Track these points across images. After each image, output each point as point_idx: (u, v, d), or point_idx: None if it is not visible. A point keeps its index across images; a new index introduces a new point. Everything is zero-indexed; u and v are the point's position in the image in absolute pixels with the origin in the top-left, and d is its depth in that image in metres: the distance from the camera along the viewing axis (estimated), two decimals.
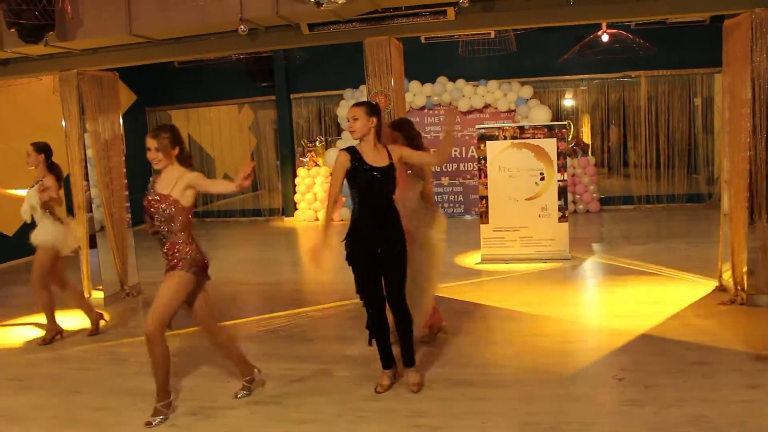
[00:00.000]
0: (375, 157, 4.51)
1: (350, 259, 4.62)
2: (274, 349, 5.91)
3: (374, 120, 4.55)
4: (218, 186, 4.68)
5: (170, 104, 15.15)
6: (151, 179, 4.51)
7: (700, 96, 13.45)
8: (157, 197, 4.31)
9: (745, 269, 6.41)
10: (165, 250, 4.37)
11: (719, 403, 4.23)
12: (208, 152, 15.76)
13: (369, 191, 4.51)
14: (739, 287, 6.47)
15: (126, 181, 8.16)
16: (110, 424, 4.49)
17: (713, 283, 6.97)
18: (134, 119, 14.34)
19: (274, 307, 7.40)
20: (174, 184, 4.32)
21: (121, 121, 8.16)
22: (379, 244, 4.55)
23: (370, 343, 4.78)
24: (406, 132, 5.26)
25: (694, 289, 7.08)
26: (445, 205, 13.03)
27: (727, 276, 6.77)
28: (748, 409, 4.15)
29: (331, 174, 4.35)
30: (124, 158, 8.15)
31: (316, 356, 5.62)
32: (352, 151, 4.53)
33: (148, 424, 4.34)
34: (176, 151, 4.42)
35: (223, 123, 15.90)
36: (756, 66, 6.10)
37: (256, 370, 4.81)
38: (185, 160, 4.49)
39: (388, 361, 4.74)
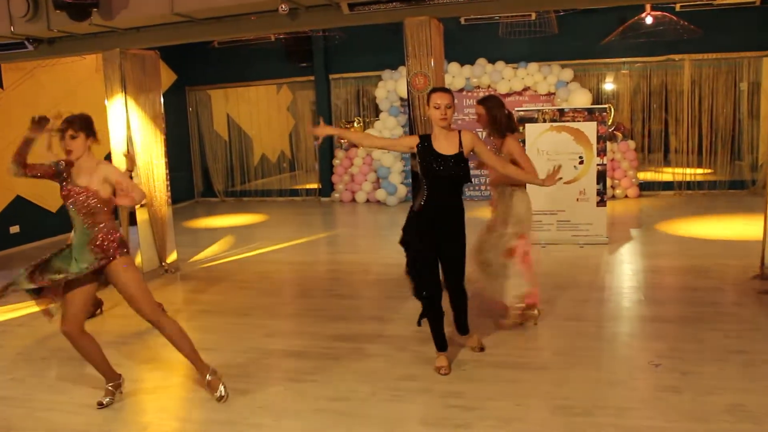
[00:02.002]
0: (445, 145, 4.55)
1: (409, 242, 4.84)
2: (310, 326, 5.98)
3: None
4: (135, 190, 4.34)
5: (209, 84, 15.28)
6: (60, 163, 4.24)
7: (747, 80, 13.12)
8: (78, 189, 4.15)
9: None
10: (100, 242, 4.16)
11: (758, 393, 4.17)
12: (246, 132, 15.89)
13: (434, 177, 4.54)
14: None
15: (166, 159, 8.27)
16: (144, 395, 4.61)
17: (754, 271, 6.85)
18: (175, 98, 14.53)
19: (310, 286, 7.50)
20: (90, 175, 4.17)
21: (162, 100, 8.26)
22: (441, 233, 4.63)
23: (419, 323, 5.14)
24: (489, 107, 5.33)
25: (733, 276, 6.97)
26: (482, 188, 12.96)
27: None
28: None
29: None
30: (164, 137, 8.25)
31: (352, 335, 5.67)
32: (423, 136, 4.64)
33: (100, 404, 4.38)
34: (90, 140, 4.25)
35: (262, 103, 16.01)
36: None
37: (121, 376, 4.58)
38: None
39: (443, 344, 4.84)
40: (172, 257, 8.34)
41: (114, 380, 4.51)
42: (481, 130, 5.65)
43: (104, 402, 4.42)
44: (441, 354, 4.81)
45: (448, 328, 4.95)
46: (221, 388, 4.39)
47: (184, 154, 15.22)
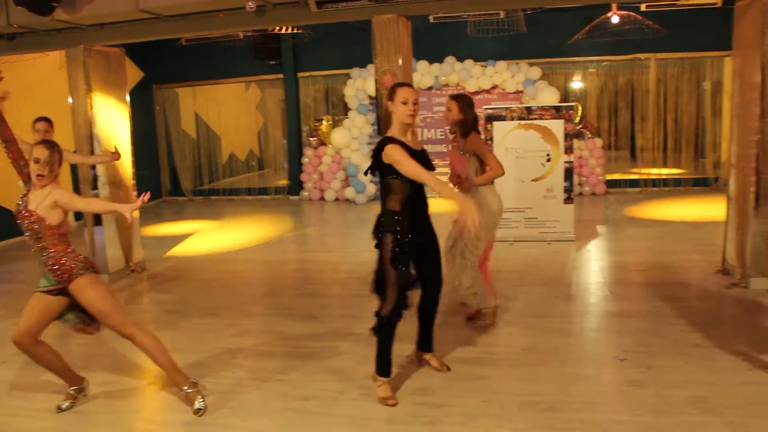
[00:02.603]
0: (413, 142, 4.37)
1: (400, 256, 4.15)
2: (279, 325, 5.95)
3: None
4: (93, 206, 4.45)
5: (177, 82, 15.14)
6: (25, 189, 4.26)
7: (709, 80, 13.37)
8: (25, 212, 4.09)
9: (748, 253, 6.42)
10: (51, 266, 4.09)
11: (720, 386, 4.25)
12: (214, 130, 15.76)
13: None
14: (742, 271, 6.48)
15: (132, 158, 8.17)
16: (120, 397, 4.55)
17: (716, 266, 6.97)
18: (141, 97, 14.36)
19: (278, 285, 7.47)
20: (42, 200, 4.08)
21: (128, 98, 8.15)
22: (423, 235, 4.38)
23: (380, 342, 4.36)
24: (461, 105, 5.34)
25: (697, 272, 7.10)
26: (450, 185, 13.00)
27: (730, 259, 6.77)
28: (748, 391, 4.17)
29: (400, 161, 4.13)
30: (130, 136, 8.14)
31: (321, 334, 5.65)
32: (394, 139, 4.18)
33: (59, 408, 4.30)
34: (57, 171, 4.16)
35: (230, 101, 15.91)
36: (766, 50, 6.05)
37: (85, 380, 4.51)
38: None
39: (390, 368, 4.38)
40: (138, 257, 8.24)
41: (77, 384, 4.43)
42: (448, 126, 5.64)
43: (63, 406, 4.34)
44: (387, 382, 4.35)
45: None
46: (199, 400, 4.26)
47: (152, 152, 15.05)
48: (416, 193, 4.22)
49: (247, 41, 13.20)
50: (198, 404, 4.24)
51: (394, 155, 4.05)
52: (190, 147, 15.57)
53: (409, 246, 4.17)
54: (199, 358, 5.17)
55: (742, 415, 3.87)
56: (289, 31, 11.72)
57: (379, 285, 4.22)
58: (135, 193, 8.18)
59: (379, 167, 4.19)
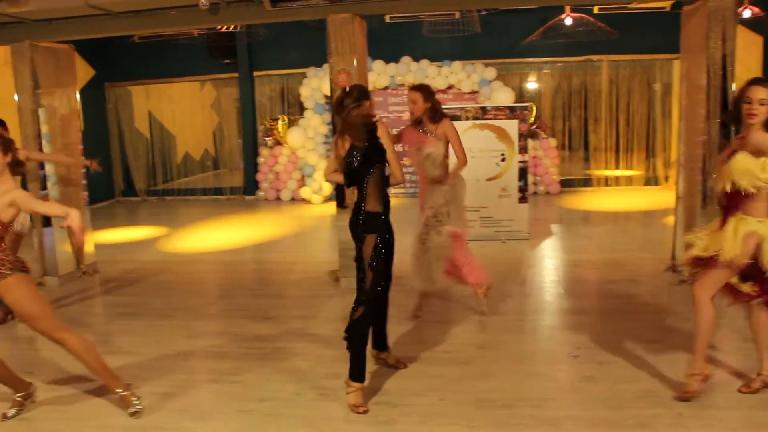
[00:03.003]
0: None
1: (379, 258, 4.23)
2: (234, 327, 5.89)
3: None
4: (52, 209, 4.25)
5: (130, 80, 14.85)
6: None
7: (660, 81, 13.67)
8: None
9: None
10: None
11: (669, 380, 4.34)
12: (169, 129, 15.52)
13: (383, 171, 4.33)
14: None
15: (83, 158, 7.99)
16: (67, 403, 4.44)
17: (666, 264, 7.12)
18: (93, 95, 14.06)
19: (233, 286, 7.39)
20: None
21: (78, 96, 7.98)
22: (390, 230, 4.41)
23: (355, 347, 4.23)
24: (427, 93, 5.48)
25: (648, 269, 7.25)
26: (407, 185, 13.05)
27: (679, 257, 6.92)
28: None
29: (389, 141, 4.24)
30: (81, 135, 7.97)
31: (276, 335, 5.61)
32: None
33: (4, 416, 4.17)
34: (8, 157, 4.02)
35: (185, 100, 15.67)
36: (711, 53, 6.21)
37: (32, 386, 4.39)
38: (16, 167, 4.17)
39: (365, 372, 4.27)
40: (90, 259, 8.07)
41: (23, 391, 4.30)
42: (412, 118, 5.63)
43: (9, 414, 4.21)
44: (360, 388, 4.22)
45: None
46: (134, 402, 4.18)
47: (104, 152, 14.71)
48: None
49: (202, 39, 13.04)
50: (134, 407, 4.17)
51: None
52: (143, 146, 15.31)
53: (386, 247, 4.28)
54: (151, 360, 5.09)
55: (690, 408, 3.97)
56: (243, 29, 11.63)
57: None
58: (86, 194, 8.01)
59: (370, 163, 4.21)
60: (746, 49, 11.76)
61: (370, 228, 4.21)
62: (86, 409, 4.36)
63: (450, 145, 5.47)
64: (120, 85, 14.91)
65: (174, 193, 15.26)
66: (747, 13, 10.27)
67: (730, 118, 4.01)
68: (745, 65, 11.62)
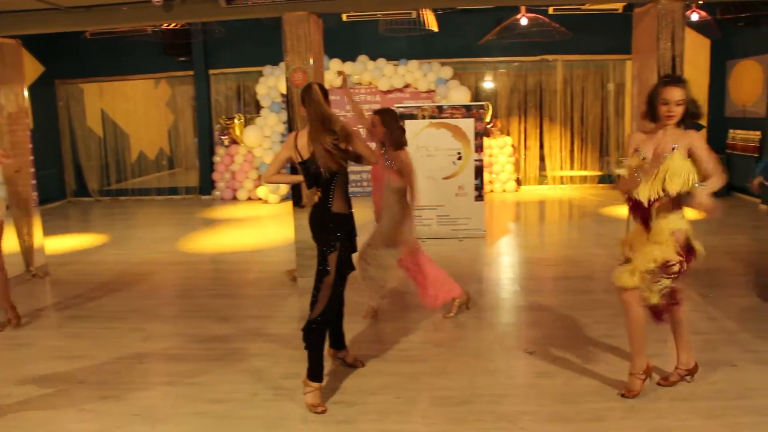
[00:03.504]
0: None
1: (347, 261, 4.30)
2: (190, 328, 5.81)
3: None
4: None
5: (82, 77, 14.52)
6: None
7: (613, 81, 13.92)
8: None
9: None
10: None
11: (623, 374, 4.41)
12: (122, 128, 15.23)
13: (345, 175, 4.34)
14: None
15: (32, 157, 7.79)
16: (21, 409, 4.33)
17: (620, 260, 7.23)
18: (42, 92, 13.72)
19: (189, 287, 7.29)
20: None
21: (26, 93, 7.78)
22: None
23: (313, 347, 4.23)
24: (386, 120, 5.46)
25: (602, 265, 7.37)
26: (364, 184, 13.05)
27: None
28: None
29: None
30: (30, 133, 7.77)
31: (233, 335, 5.56)
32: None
33: None
34: None
35: (139, 98, 15.39)
36: (661, 54, 6.35)
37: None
38: None
39: (322, 372, 4.26)
40: (39, 261, 7.87)
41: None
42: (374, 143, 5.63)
43: None
44: (318, 388, 4.21)
45: None
46: None
47: (54, 151, 14.40)
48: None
49: (156, 36, 12.84)
50: None
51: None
52: (96, 145, 14.99)
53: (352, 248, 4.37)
54: (105, 364, 4.99)
55: (642, 401, 4.06)
56: (198, 26, 11.49)
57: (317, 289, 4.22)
58: (36, 194, 7.82)
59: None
60: (694, 50, 12.07)
61: (340, 232, 4.21)
62: (41, 415, 4.26)
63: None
64: (71, 82, 14.58)
65: (128, 193, 15.00)
66: (695, 17, 10.52)
67: (646, 117, 4.01)
68: (694, 66, 11.93)
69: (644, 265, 4.00)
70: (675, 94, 3.77)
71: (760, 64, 11.37)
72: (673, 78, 3.90)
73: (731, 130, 12.33)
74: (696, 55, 12.25)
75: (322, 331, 4.25)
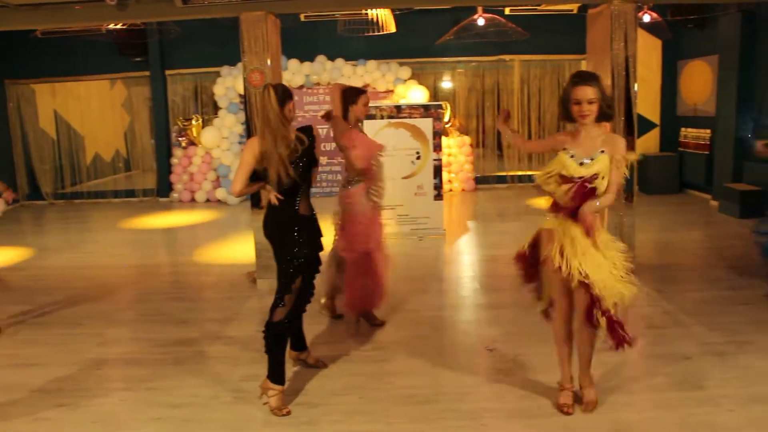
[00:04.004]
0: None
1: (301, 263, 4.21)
2: (148, 332, 5.73)
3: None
4: None
5: (33, 77, 14.16)
6: None
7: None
8: None
9: None
10: None
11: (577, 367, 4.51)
12: (77, 130, 14.94)
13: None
14: None
15: None
16: None
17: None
18: None
19: (147, 290, 7.18)
20: None
21: None
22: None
23: (275, 349, 4.21)
24: (346, 95, 5.38)
25: None
26: (323, 183, 13.02)
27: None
28: (600, 371, 4.43)
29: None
30: None
31: (192, 338, 5.49)
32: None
33: None
34: None
35: (94, 99, 15.13)
36: (615, 54, 6.49)
37: None
38: None
39: (284, 375, 4.25)
40: None
41: None
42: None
43: None
44: (281, 391, 4.19)
45: None
46: None
47: (5, 154, 14.03)
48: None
49: (111, 36, 12.62)
50: None
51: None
52: (49, 147, 14.65)
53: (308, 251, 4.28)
54: (60, 371, 4.88)
55: (602, 395, 4.13)
56: (154, 26, 11.33)
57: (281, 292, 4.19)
58: None
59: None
60: (647, 51, 12.34)
61: (303, 236, 4.19)
62: None
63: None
64: (22, 82, 14.22)
65: (83, 196, 14.69)
66: (647, 18, 10.74)
67: (563, 118, 3.94)
68: (646, 66, 12.19)
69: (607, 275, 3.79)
70: (587, 92, 3.70)
71: (709, 65, 11.65)
72: (583, 76, 3.79)
73: (683, 129, 12.61)
74: (648, 56, 12.52)
75: (286, 333, 4.24)
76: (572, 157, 3.81)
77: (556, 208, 3.94)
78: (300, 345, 4.76)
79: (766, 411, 3.94)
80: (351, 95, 5.36)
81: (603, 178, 3.73)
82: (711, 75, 11.58)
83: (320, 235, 4.39)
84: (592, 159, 3.76)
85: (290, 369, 4.64)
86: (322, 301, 5.78)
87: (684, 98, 12.67)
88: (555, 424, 3.85)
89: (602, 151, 3.75)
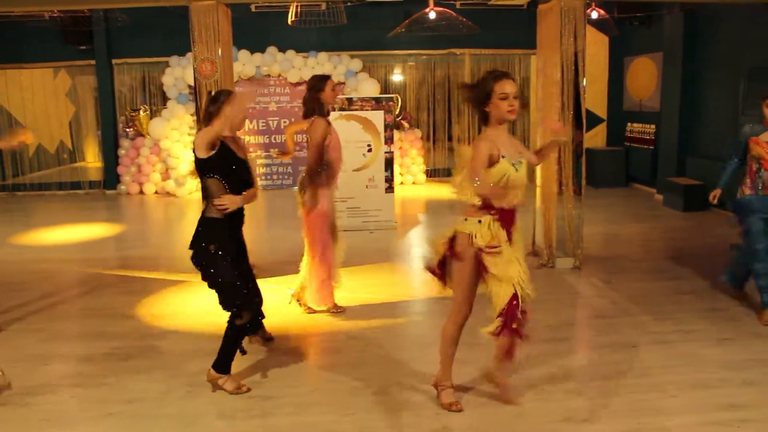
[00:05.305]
0: (239, 149, 4.26)
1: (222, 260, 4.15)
2: (97, 327, 5.61)
3: None
4: None
5: None
6: None
7: (519, 75, 14.31)
8: None
9: (554, 236, 7.00)
10: None
11: (532, 359, 4.60)
12: (18, 120, 14.49)
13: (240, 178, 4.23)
14: (549, 252, 7.04)
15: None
16: None
17: (527, 249, 7.49)
18: None
19: (95, 284, 7.04)
20: None
21: None
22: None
23: (244, 352, 4.41)
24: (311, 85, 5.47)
25: None
26: (274, 177, 12.95)
27: (539, 241, 7.32)
28: (550, 359, 4.54)
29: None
30: None
31: (143, 333, 5.41)
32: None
33: None
34: None
35: (37, 88, 14.65)
36: (564, 50, 6.61)
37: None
38: None
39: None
40: None
41: None
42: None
43: None
44: (231, 375, 4.29)
45: None
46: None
47: None
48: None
49: (55, 23, 12.26)
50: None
51: None
52: None
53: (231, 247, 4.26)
54: (6, 368, 4.74)
55: (551, 382, 4.27)
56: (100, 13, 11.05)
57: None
58: None
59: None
60: (595, 46, 12.58)
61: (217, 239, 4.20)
62: None
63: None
64: None
65: (26, 188, 14.28)
66: (594, 15, 10.95)
67: (480, 116, 3.79)
68: (594, 62, 12.42)
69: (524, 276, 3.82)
70: (512, 87, 3.60)
71: (653, 61, 11.95)
72: (503, 71, 3.69)
73: (629, 123, 12.93)
74: (596, 52, 12.77)
75: (242, 332, 4.28)
76: (513, 164, 3.68)
77: (483, 211, 3.73)
78: (258, 326, 4.75)
79: (708, 395, 4.10)
80: (317, 83, 5.39)
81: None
82: (656, 71, 11.89)
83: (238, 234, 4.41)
84: (521, 161, 3.72)
85: (243, 362, 4.63)
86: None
87: (630, 94, 12.97)
88: (509, 413, 3.93)
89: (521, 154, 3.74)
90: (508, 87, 3.59)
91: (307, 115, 5.40)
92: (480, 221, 3.71)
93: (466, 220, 3.78)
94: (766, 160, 5.01)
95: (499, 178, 3.63)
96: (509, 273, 3.72)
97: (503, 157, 3.65)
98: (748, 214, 5.20)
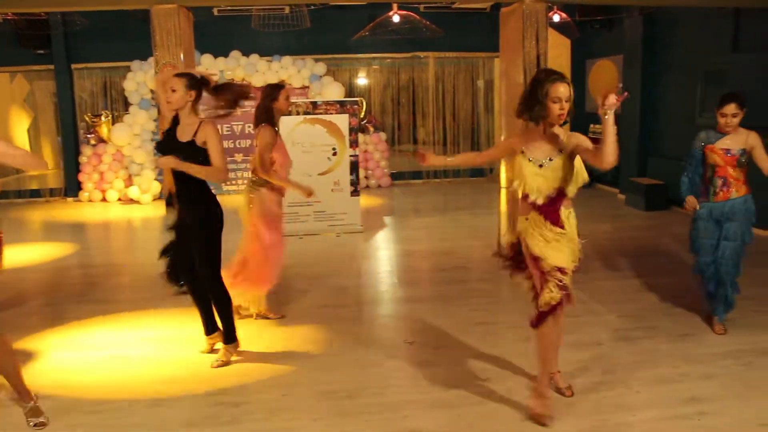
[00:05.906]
0: (182, 131, 4.45)
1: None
2: (63, 336, 5.51)
3: (193, 93, 4.42)
4: None
5: None
6: None
7: (483, 78, 14.45)
8: None
9: None
10: None
11: (499, 357, 4.64)
12: None
13: None
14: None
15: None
16: None
17: (493, 250, 7.55)
18: None
19: (58, 294, 6.91)
20: None
21: None
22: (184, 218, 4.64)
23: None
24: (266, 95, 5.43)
25: (477, 256, 7.66)
26: (239, 181, 12.85)
27: (504, 242, 7.36)
28: (524, 360, 4.57)
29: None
30: None
31: (109, 342, 5.32)
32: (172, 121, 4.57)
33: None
34: None
35: None
36: (527, 52, 6.69)
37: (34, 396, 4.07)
38: None
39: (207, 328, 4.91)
40: None
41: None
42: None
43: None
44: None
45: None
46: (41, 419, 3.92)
47: None
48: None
49: (10, 26, 11.99)
50: (41, 417, 3.93)
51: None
52: None
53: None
54: None
55: (517, 381, 4.29)
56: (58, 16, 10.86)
57: None
58: None
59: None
60: (557, 49, 12.72)
61: None
62: None
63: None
64: None
65: None
66: (556, 18, 11.10)
67: (526, 116, 3.77)
68: (556, 64, 12.55)
69: (568, 264, 3.88)
70: (567, 90, 3.58)
71: (614, 64, 12.14)
72: (560, 74, 3.63)
73: (591, 125, 13.09)
74: (558, 54, 12.91)
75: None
76: (530, 160, 3.73)
77: (526, 209, 3.83)
78: (213, 327, 4.90)
79: (670, 390, 4.19)
80: (271, 92, 5.36)
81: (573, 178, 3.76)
82: (616, 74, 12.08)
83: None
84: (551, 160, 3.73)
85: (211, 369, 4.59)
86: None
87: (592, 96, 13.15)
88: (477, 413, 3.94)
89: (560, 151, 3.73)
90: (562, 91, 3.57)
91: (256, 123, 5.38)
92: (527, 219, 3.88)
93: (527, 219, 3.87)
94: (721, 167, 5.07)
95: (517, 170, 3.78)
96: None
97: (522, 152, 3.76)
98: (696, 220, 5.25)
